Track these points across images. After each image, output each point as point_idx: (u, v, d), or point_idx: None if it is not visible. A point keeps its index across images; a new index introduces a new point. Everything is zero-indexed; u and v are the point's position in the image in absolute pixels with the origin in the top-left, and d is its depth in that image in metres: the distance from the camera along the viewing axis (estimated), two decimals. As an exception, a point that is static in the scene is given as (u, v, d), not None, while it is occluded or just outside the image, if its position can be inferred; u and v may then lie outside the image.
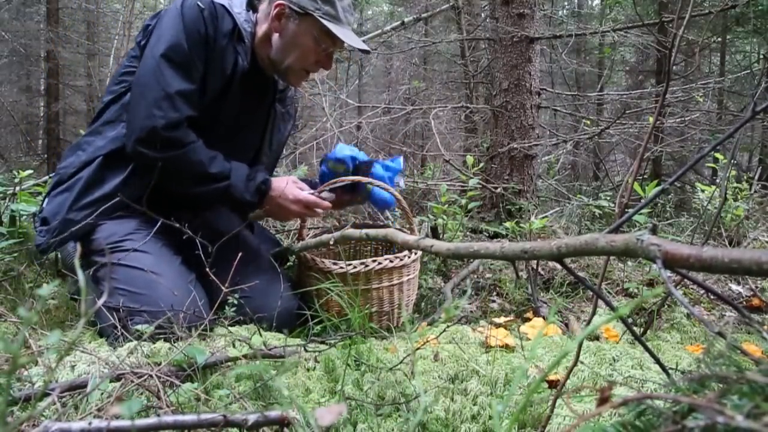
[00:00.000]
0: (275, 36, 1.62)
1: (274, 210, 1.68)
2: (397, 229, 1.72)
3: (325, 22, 1.55)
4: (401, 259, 1.64)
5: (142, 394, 1.00)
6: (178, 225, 1.34)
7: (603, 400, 0.39)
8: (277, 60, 1.63)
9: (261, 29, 1.64)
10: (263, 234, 2.01)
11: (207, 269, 1.25)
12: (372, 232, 1.46)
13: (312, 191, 1.69)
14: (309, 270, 1.65)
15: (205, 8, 1.51)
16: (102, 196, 1.53)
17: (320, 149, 4.74)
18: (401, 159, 1.82)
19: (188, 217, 1.53)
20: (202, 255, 1.28)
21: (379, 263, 1.60)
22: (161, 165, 1.47)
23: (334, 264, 1.59)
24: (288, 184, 1.65)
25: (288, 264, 2.04)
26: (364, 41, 1.98)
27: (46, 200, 1.61)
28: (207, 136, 1.58)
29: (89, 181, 1.55)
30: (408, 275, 1.69)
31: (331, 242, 1.60)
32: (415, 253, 1.68)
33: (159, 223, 1.39)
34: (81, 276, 0.49)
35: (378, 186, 1.67)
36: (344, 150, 1.78)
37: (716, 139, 0.70)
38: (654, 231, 0.60)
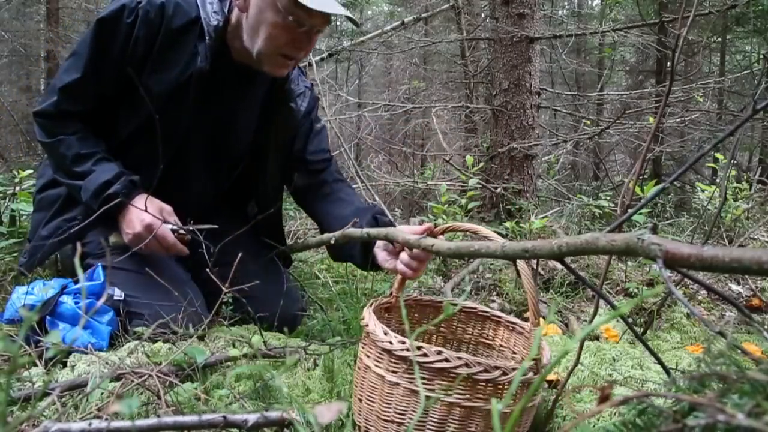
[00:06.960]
0: (243, 18, 1.38)
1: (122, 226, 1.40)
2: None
3: None
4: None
5: (142, 394, 1.00)
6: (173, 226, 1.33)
7: (603, 399, 0.39)
8: (249, 47, 1.39)
9: (233, 17, 1.41)
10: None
11: (208, 270, 1.25)
12: (373, 231, 1.45)
13: (179, 227, 1.40)
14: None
15: (142, 7, 1.35)
16: (72, 217, 1.50)
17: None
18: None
19: (184, 219, 1.53)
20: (205, 255, 1.27)
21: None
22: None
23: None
24: (149, 208, 1.34)
25: (291, 264, 2.04)
26: (363, 41, 1.92)
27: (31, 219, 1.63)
28: (187, 145, 1.52)
29: (63, 201, 1.54)
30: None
31: (332, 241, 1.59)
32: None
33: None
34: (81, 276, 0.49)
35: None
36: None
37: (717, 139, 0.70)
38: (654, 230, 0.60)
